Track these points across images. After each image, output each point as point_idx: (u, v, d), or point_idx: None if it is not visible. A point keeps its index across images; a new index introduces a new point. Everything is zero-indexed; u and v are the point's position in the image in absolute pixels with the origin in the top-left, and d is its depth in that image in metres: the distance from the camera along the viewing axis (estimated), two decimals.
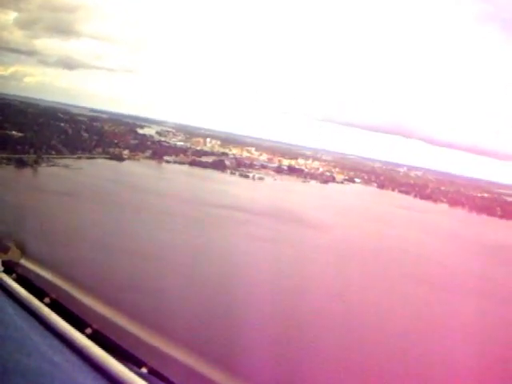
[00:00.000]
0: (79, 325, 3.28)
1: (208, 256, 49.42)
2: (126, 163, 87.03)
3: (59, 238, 45.69)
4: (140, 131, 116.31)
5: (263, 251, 52.77)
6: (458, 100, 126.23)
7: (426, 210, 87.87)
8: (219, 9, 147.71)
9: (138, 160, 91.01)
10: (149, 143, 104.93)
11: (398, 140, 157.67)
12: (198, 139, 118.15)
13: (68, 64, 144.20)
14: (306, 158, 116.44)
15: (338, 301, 43.81)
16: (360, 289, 47.87)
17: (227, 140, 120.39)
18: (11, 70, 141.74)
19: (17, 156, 76.06)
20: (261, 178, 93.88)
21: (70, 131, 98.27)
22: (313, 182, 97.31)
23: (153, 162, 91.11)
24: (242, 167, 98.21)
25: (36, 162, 76.02)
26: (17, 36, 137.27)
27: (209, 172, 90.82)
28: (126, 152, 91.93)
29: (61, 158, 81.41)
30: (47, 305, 3.49)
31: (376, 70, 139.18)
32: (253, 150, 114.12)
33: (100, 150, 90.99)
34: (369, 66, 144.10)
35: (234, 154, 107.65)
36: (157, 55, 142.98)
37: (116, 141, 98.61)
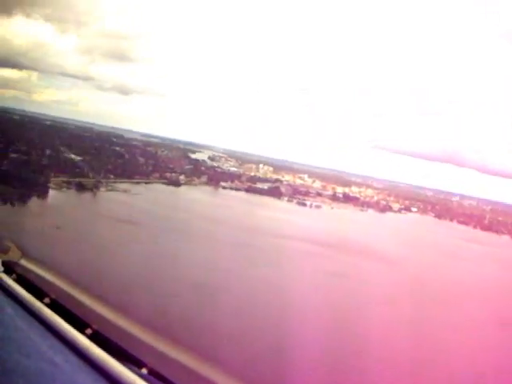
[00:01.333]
0: (79, 325, 3.11)
1: (272, 288, 45.45)
2: (184, 189, 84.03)
3: (133, 268, 42.61)
4: (192, 156, 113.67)
5: (333, 287, 48.49)
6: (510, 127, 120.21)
7: (493, 243, 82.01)
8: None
9: (195, 185, 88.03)
10: (203, 168, 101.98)
11: (450, 168, 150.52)
12: (249, 165, 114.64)
13: (122, 89, 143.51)
14: (359, 185, 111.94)
15: (422, 345, 39.33)
16: (444, 333, 43.11)
17: (278, 166, 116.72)
18: (67, 94, 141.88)
19: (76, 180, 73.79)
20: (318, 206, 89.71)
21: (126, 155, 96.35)
22: (370, 211, 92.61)
23: (209, 188, 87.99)
24: (297, 194, 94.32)
25: (96, 187, 73.54)
26: (75, 62, 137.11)
27: (266, 199, 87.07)
28: (182, 177, 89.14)
29: (119, 182, 78.87)
30: (47, 305, 3.34)
31: (426, 98, 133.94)
32: (305, 176, 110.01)
33: (157, 174, 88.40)
34: (418, 93, 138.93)
35: (287, 181, 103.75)
36: (204, 81, 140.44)
37: (171, 166, 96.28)
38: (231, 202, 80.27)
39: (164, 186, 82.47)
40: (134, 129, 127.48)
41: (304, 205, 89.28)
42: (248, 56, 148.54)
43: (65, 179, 72.28)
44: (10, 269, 3.81)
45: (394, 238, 72.42)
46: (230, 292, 43.67)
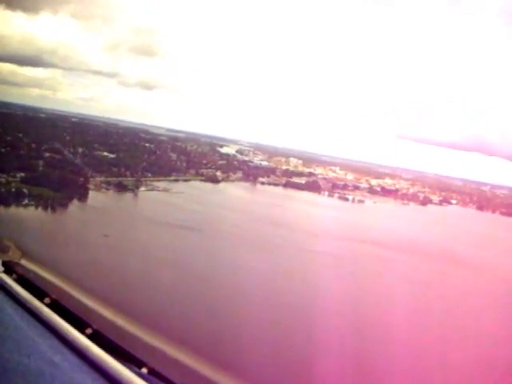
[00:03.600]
0: (79, 325, 3.03)
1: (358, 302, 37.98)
2: (223, 185, 76.50)
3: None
4: (221, 150, 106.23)
5: (421, 297, 41.00)
6: None
7: None
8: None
9: (233, 182, 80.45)
10: (236, 163, 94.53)
11: (476, 157, 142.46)
12: (278, 158, 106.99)
13: (146, 85, 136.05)
14: (392, 177, 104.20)
15: None
16: None
17: (306, 158, 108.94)
18: (92, 91, 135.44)
19: (115, 179, 66.32)
20: (361, 201, 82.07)
21: (157, 151, 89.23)
22: (412, 205, 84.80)
23: (247, 184, 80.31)
24: (336, 188, 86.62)
25: (136, 186, 65.97)
26: (100, 59, 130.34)
27: (307, 195, 79.38)
28: (218, 173, 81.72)
29: (157, 180, 71.42)
30: (47, 305, 3.22)
31: (450, 85, 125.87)
32: (337, 169, 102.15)
33: (193, 171, 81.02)
34: (443, 81, 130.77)
35: (321, 174, 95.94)
36: (224, 75, 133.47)
37: (205, 161, 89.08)
38: (276, 199, 72.48)
39: (202, 184, 75.00)
40: (159, 124, 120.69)
41: (346, 199, 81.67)
42: (272, 50, 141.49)
43: (103, 179, 64.80)
44: (10, 269, 3.50)
45: (454, 235, 64.44)
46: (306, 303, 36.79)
